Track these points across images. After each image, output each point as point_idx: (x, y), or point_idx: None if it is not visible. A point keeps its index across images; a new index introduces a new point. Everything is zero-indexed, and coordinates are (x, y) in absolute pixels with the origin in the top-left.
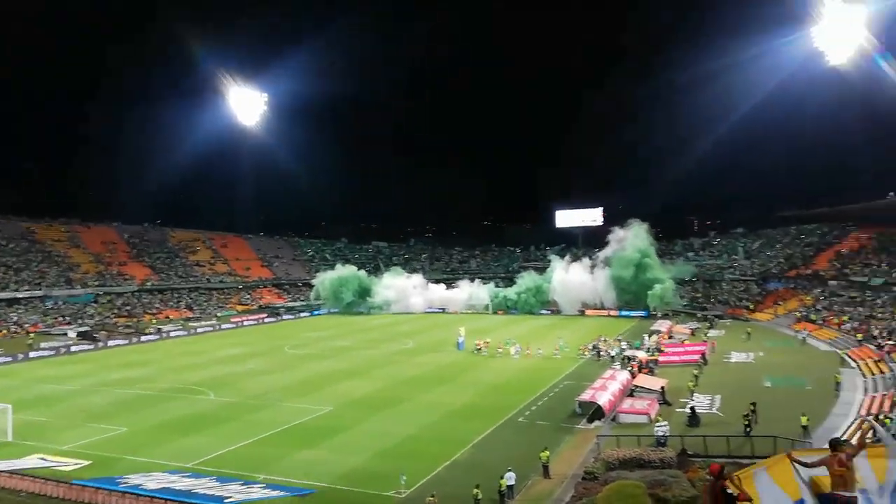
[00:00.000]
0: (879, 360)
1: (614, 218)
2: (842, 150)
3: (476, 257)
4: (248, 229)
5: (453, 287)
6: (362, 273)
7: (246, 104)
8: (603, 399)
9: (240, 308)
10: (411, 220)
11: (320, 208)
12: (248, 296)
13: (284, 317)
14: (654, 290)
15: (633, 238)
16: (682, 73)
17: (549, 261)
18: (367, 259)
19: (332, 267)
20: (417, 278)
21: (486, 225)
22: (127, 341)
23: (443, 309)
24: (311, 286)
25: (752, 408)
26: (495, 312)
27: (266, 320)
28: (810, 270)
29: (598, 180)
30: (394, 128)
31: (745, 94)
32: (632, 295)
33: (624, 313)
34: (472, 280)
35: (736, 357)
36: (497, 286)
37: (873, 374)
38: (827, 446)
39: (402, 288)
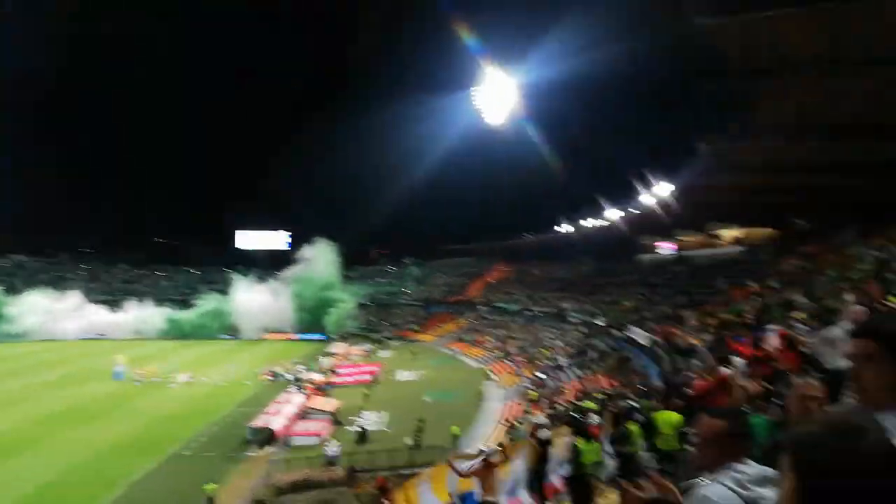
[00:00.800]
0: (513, 374)
1: (300, 243)
2: (493, 195)
3: (146, 277)
4: None
5: (117, 310)
6: None
7: None
8: (276, 423)
9: None
10: (62, 229)
11: None
12: None
13: None
14: (332, 313)
15: (319, 257)
16: (368, 117)
17: (231, 282)
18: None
19: None
20: (74, 298)
21: (160, 242)
22: None
23: (102, 335)
24: None
25: (420, 424)
26: (169, 338)
27: None
28: (465, 297)
29: (285, 204)
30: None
31: (420, 145)
32: (312, 317)
33: (304, 336)
34: (141, 301)
35: (402, 376)
36: (173, 309)
37: (509, 386)
38: (477, 452)
39: (51, 310)
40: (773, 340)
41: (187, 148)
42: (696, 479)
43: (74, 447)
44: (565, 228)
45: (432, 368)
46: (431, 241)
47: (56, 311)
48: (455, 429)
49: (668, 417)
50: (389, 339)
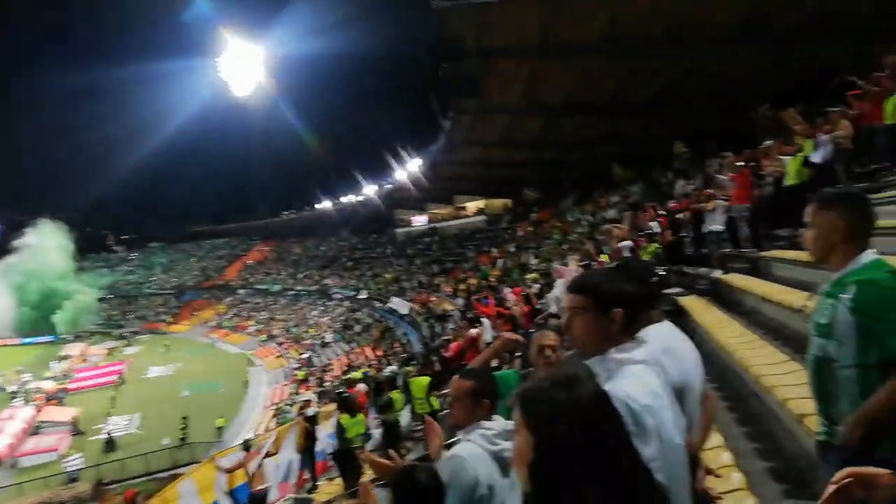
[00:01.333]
0: (279, 356)
1: (18, 229)
2: (247, 172)
3: None
4: None
5: None
6: None
7: None
8: None
9: None
10: None
11: None
12: None
13: None
14: (65, 309)
15: (44, 242)
16: (92, 80)
17: None
18: None
19: None
20: None
21: None
22: None
23: None
24: None
25: (184, 421)
26: None
27: None
28: (222, 281)
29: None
30: None
31: (160, 114)
32: (39, 315)
33: (29, 340)
34: None
35: (154, 372)
36: None
37: (275, 369)
38: (240, 443)
39: None
40: (511, 299)
41: None
42: (454, 438)
43: None
44: (324, 205)
45: (190, 360)
46: (180, 222)
47: None
48: (220, 421)
49: (419, 382)
50: (137, 333)
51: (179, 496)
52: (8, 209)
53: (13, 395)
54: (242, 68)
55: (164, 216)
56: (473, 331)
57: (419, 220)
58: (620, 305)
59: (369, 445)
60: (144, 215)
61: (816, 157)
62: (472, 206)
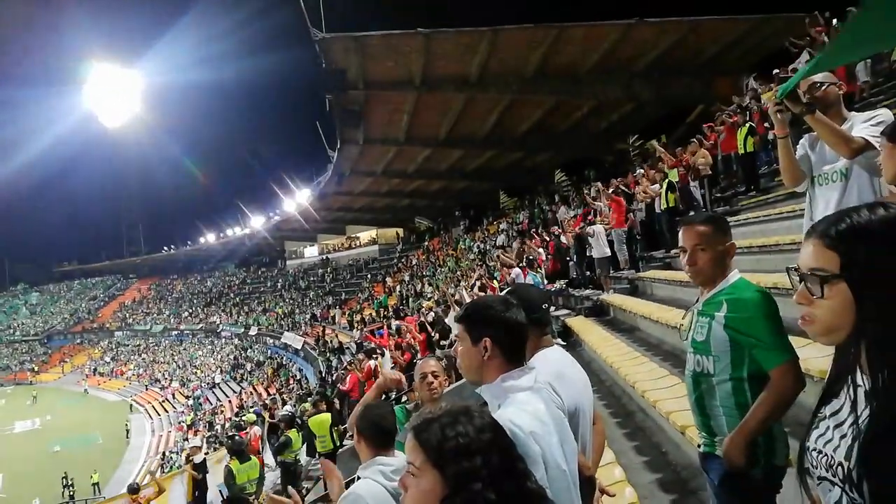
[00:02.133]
0: (164, 400)
1: None
2: (119, 207)
3: None
4: None
5: None
6: None
7: None
8: None
9: None
10: None
11: None
12: None
13: None
14: None
15: None
16: None
17: None
18: None
19: None
20: None
21: None
22: None
23: None
24: None
25: (66, 479)
26: None
27: None
28: (97, 323)
29: None
30: None
31: (21, 145)
32: None
33: None
34: None
35: (20, 427)
36: None
37: (159, 414)
38: (126, 491)
39: None
40: (408, 328)
41: None
42: (354, 476)
43: None
44: (208, 239)
45: (61, 411)
46: (45, 261)
47: None
48: (95, 476)
49: (320, 419)
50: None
51: None
52: None
53: None
54: (114, 97)
55: (26, 256)
56: (371, 362)
57: (311, 252)
58: (494, 333)
59: (267, 487)
60: (3, 254)
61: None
62: (365, 235)
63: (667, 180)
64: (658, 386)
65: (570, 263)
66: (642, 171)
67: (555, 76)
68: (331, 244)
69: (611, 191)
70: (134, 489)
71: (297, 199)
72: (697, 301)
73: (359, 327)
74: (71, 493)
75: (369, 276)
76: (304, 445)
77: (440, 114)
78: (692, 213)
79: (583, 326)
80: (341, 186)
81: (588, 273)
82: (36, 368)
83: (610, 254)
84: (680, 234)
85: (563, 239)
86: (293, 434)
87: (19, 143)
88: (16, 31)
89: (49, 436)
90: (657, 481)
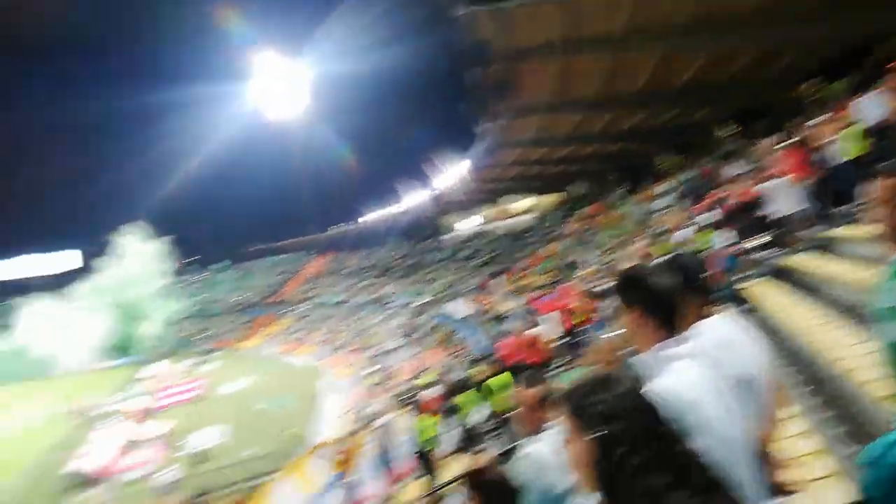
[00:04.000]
0: (347, 365)
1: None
2: (295, 190)
3: None
4: None
5: None
6: None
7: None
8: (96, 462)
9: None
10: None
11: None
12: None
13: None
14: (145, 330)
15: (132, 255)
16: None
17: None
18: None
19: None
20: None
21: None
22: None
23: None
24: None
25: (276, 432)
26: None
27: None
28: (284, 296)
29: (68, 222)
30: None
31: (209, 136)
32: (124, 336)
33: (115, 363)
34: None
35: (231, 387)
36: None
37: (344, 378)
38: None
39: None
40: (570, 295)
41: None
42: (521, 442)
43: None
44: (372, 216)
45: (261, 375)
46: (238, 243)
47: None
48: (295, 430)
49: (497, 381)
50: (210, 351)
51: (272, 499)
52: (87, 240)
53: (107, 414)
54: (279, 88)
55: (224, 238)
56: (532, 330)
57: (468, 224)
58: (644, 302)
59: (445, 447)
60: (203, 238)
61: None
62: (521, 204)
63: (854, 126)
64: (852, 353)
65: (748, 223)
66: (824, 117)
67: (711, 25)
68: (487, 215)
69: (789, 142)
70: (332, 443)
71: (452, 173)
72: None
73: (520, 295)
74: (275, 445)
75: (527, 244)
76: (480, 406)
77: (588, 76)
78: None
79: (764, 290)
80: (493, 158)
81: (768, 231)
82: (238, 337)
83: (792, 210)
84: (876, 184)
85: (732, 200)
86: (466, 396)
87: (204, 139)
88: (188, 31)
89: (254, 395)
90: (854, 454)
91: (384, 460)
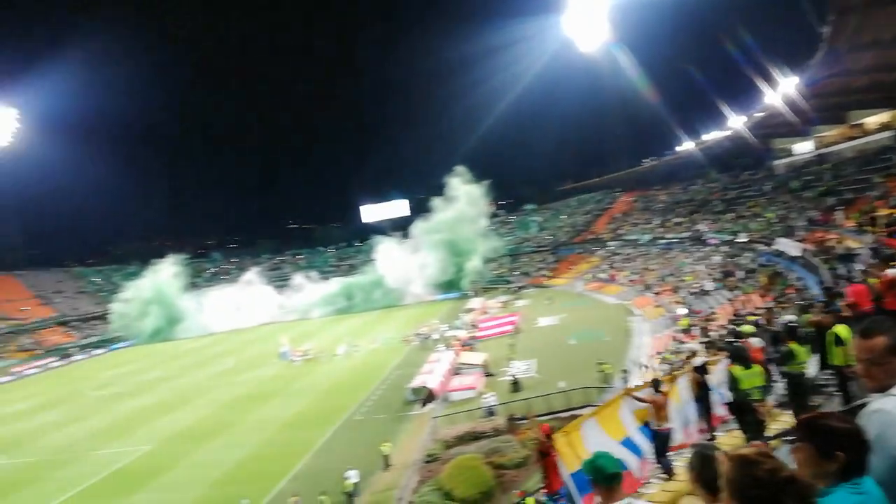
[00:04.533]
0: (657, 306)
1: (419, 209)
2: (601, 125)
3: (287, 262)
4: (15, 265)
5: (282, 294)
6: (173, 288)
7: None
8: (433, 381)
9: (23, 355)
10: (206, 231)
11: (102, 231)
12: (30, 340)
13: (76, 357)
14: (468, 268)
15: (464, 190)
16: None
17: (365, 256)
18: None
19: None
20: (258, 288)
21: (292, 228)
22: None
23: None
24: (104, 319)
25: (601, 366)
26: (328, 315)
27: (53, 365)
28: (592, 235)
29: (396, 173)
30: (170, 137)
31: (512, 80)
32: (455, 270)
33: (441, 296)
34: (284, 285)
35: (543, 322)
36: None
37: (654, 319)
38: (649, 381)
39: (235, 302)
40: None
41: (306, 139)
42: (867, 398)
43: (259, 425)
44: (686, 146)
45: (571, 311)
46: (546, 183)
47: (237, 302)
48: (607, 367)
49: (838, 331)
50: (523, 287)
51: (584, 433)
52: (412, 191)
53: (436, 342)
54: (586, 23)
55: (532, 179)
56: (890, 271)
57: (802, 148)
58: None
59: (771, 399)
60: (515, 181)
61: None
62: (873, 121)
63: None
64: None
65: None
66: None
67: None
68: (828, 137)
69: None
70: (657, 382)
71: (782, 91)
72: None
73: (871, 230)
74: (603, 379)
75: (882, 169)
76: (813, 358)
77: None
78: None
79: None
80: (837, 67)
81: None
82: (548, 274)
83: None
84: None
85: None
86: (796, 346)
87: (515, 77)
88: None
89: (565, 330)
90: None
91: (697, 408)
